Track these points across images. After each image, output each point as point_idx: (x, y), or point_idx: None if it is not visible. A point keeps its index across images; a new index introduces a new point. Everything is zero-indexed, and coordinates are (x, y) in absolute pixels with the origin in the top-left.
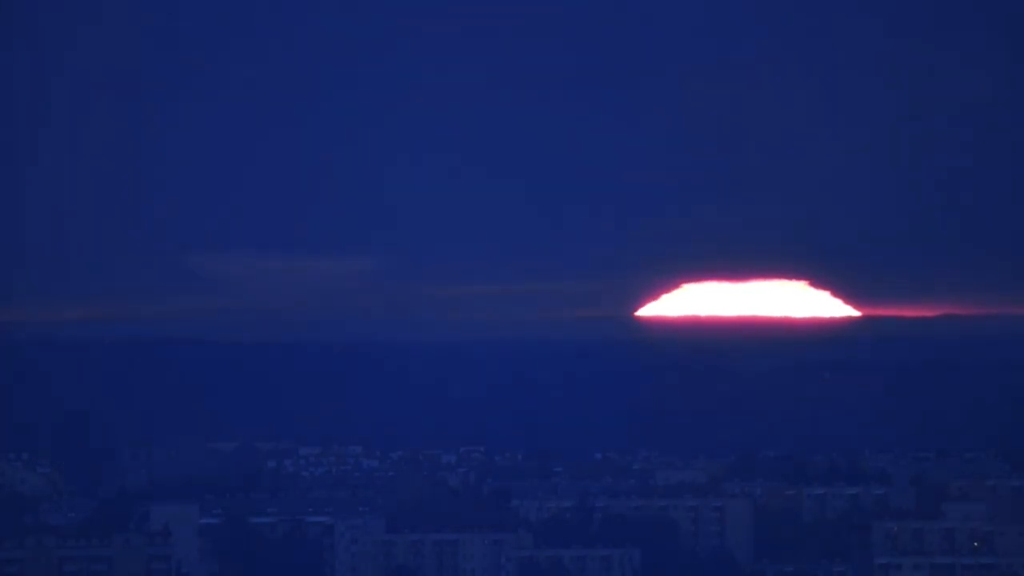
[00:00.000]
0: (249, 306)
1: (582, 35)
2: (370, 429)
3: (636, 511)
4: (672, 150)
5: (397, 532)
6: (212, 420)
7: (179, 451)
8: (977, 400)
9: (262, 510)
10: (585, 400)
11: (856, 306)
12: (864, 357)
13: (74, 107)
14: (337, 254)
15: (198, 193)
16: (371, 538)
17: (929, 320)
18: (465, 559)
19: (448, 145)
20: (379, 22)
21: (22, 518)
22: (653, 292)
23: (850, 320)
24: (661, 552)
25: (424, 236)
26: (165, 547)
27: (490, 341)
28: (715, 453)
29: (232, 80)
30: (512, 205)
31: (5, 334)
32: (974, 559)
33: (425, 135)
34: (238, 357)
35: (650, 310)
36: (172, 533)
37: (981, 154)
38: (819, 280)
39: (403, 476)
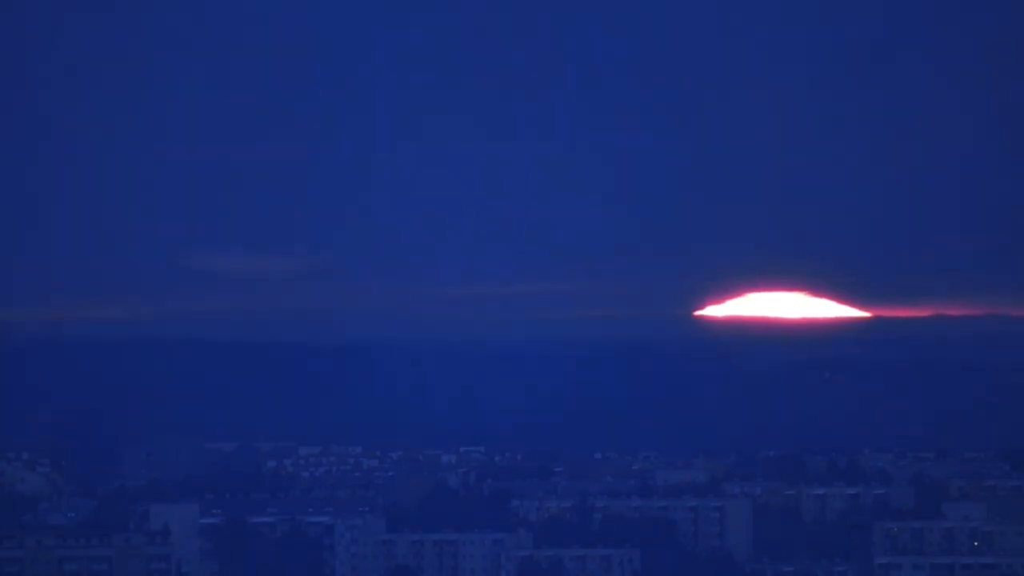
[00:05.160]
0: (249, 306)
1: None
2: (370, 429)
3: (636, 511)
4: (671, 153)
5: (397, 532)
6: (212, 420)
7: (179, 451)
8: (977, 400)
9: (262, 510)
10: (585, 400)
11: (856, 306)
12: (864, 357)
13: (72, 106)
14: (339, 253)
15: (197, 192)
16: (371, 538)
17: (929, 320)
18: (465, 559)
19: (454, 142)
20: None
21: (22, 517)
22: (654, 294)
23: (850, 320)
24: (661, 552)
25: (423, 235)
26: (165, 547)
27: (490, 341)
28: (715, 453)
29: (232, 73)
30: (512, 204)
31: (5, 334)
32: (974, 559)
33: (433, 133)
34: (238, 357)
35: (650, 311)
36: (172, 533)
37: (980, 154)
38: (818, 281)
39: (403, 476)
